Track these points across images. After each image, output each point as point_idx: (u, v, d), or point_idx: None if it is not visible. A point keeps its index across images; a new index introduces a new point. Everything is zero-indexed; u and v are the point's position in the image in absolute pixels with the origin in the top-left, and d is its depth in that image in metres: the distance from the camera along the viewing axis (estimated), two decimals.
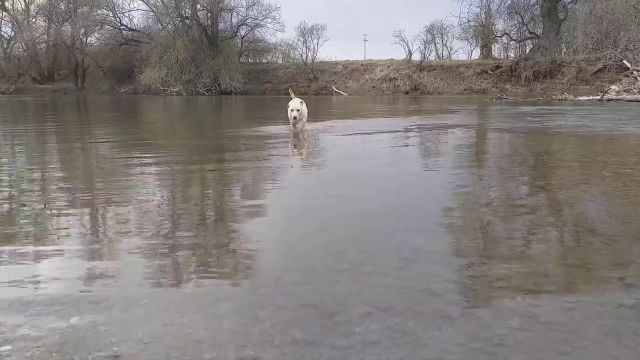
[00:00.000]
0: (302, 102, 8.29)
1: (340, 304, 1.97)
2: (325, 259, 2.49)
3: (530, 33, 41.23)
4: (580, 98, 25.00)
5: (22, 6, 49.86)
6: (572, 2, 37.74)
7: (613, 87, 26.51)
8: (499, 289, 2.11)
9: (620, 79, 29.22)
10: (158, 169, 5.30)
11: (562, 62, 36.55)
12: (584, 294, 2.07)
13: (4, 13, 49.15)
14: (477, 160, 5.87)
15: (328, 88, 41.83)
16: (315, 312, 1.91)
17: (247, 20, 45.58)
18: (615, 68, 31.28)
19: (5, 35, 49.75)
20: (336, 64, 44.84)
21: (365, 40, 69.30)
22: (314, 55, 44.47)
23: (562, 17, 37.64)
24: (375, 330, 1.77)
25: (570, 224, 3.14)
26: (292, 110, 8.16)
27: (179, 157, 6.32)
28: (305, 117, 8.72)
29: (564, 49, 42.31)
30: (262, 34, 45.98)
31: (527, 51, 41.30)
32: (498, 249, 2.66)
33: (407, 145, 7.60)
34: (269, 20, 45.14)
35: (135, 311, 1.92)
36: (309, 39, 44.24)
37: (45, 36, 49.23)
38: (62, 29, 47.51)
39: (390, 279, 2.20)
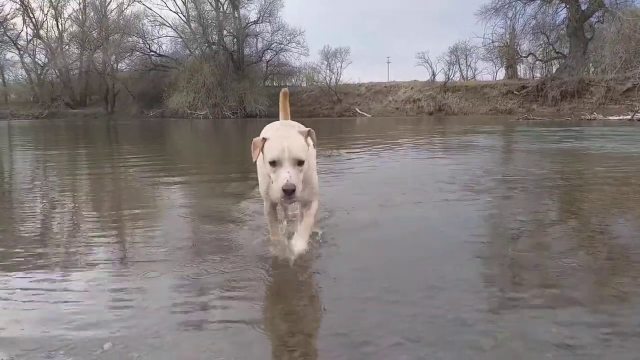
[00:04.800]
0: (304, 145, 2.52)
1: (369, 333, 1.95)
2: (351, 287, 2.48)
3: (557, 53, 40.80)
4: (610, 118, 24.52)
5: (56, 34, 52.13)
6: (598, 21, 37.26)
7: None
8: (533, 319, 2.06)
9: None
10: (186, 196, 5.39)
11: (590, 81, 35.97)
12: (620, 325, 2.01)
13: (39, 41, 51.34)
14: (506, 184, 5.78)
15: (351, 110, 42.04)
16: (345, 342, 1.90)
17: (272, 45, 46.55)
18: None
19: (40, 62, 51.84)
20: (359, 86, 45.13)
21: (388, 62, 69.50)
22: (338, 77, 44.92)
23: (588, 37, 37.13)
24: None
25: (604, 250, 3.06)
26: (284, 171, 2.40)
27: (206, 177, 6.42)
28: (314, 186, 2.87)
29: (592, 69, 41.68)
30: (287, 58, 46.85)
31: (554, 71, 40.82)
32: (529, 277, 2.60)
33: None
34: (294, 44, 46.04)
35: (165, 338, 1.95)
36: (333, 62, 44.76)
37: (78, 63, 51.01)
38: (94, 55, 49.18)
39: (418, 308, 2.18)
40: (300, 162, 2.43)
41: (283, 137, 2.49)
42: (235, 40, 46.13)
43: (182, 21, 46.42)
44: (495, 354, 1.79)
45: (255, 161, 2.71)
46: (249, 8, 46.18)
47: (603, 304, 2.23)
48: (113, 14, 50.87)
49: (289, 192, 2.31)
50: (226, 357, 1.80)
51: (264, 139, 2.52)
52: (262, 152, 2.54)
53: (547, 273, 2.63)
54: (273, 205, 3.01)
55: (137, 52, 48.01)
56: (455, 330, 1.96)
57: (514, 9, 39.41)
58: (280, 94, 3.39)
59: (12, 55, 50.88)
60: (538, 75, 44.65)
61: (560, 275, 2.59)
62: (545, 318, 2.06)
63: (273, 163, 2.42)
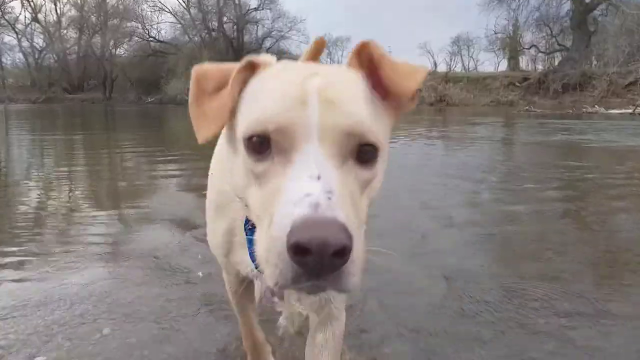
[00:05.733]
0: (369, 99, 0.83)
1: (369, 322, 1.94)
2: None
3: (559, 45, 40.60)
4: (612, 111, 24.45)
5: (54, 18, 51.65)
6: (602, 14, 37.05)
7: None
8: (534, 311, 2.05)
9: None
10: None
11: (592, 74, 35.72)
12: (621, 317, 2.00)
13: (37, 24, 50.91)
14: (508, 176, 5.77)
15: None
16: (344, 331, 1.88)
17: (273, 33, 46.25)
18: None
19: (37, 46, 51.43)
20: None
21: (389, 52, 68.68)
22: None
23: (592, 30, 36.91)
24: (405, 352, 1.74)
25: (605, 243, 3.05)
26: (305, 170, 0.69)
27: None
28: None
29: (594, 62, 41.50)
30: (287, 45, 46.44)
31: (556, 63, 40.64)
32: (532, 268, 2.59)
33: None
34: (294, 32, 45.68)
35: (164, 325, 1.93)
36: (334, 50, 44.65)
37: (76, 47, 50.66)
38: (92, 40, 48.82)
39: (419, 299, 2.17)
40: (366, 145, 0.79)
41: (307, 68, 0.88)
42: (235, 27, 45.81)
43: (181, 7, 46.04)
44: (496, 344, 1.78)
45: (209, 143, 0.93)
46: None
47: (603, 296, 2.22)
48: None
49: (316, 254, 0.62)
50: (224, 346, 1.79)
51: (250, 64, 0.94)
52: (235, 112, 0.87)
53: (549, 265, 2.62)
54: (240, 279, 1.27)
55: (136, 38, 47.78)
56: (456, 321, 1.95)
57: (517, 0, 39.17)
58: (313, 43, 1.47)
59: (10, 39, 50.43)
60: (540, 67, 44.45)
61: (561, 267, 2.58)
62: (545, 309, 2.06)
63: (263, 141, 0.76)
